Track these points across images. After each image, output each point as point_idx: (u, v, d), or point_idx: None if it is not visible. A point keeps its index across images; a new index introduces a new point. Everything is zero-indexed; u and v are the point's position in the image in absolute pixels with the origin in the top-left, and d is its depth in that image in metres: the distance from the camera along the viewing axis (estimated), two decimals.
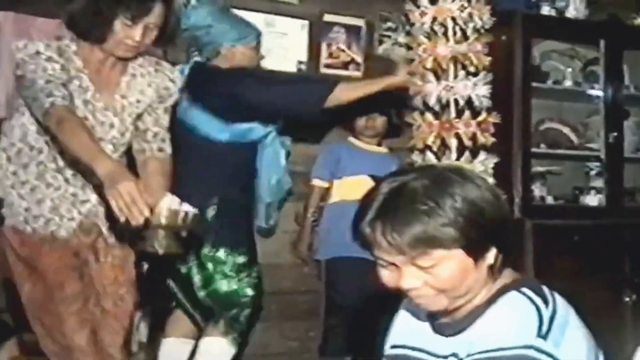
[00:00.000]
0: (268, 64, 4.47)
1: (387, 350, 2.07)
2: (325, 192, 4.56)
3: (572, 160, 5.39)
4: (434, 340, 1.95)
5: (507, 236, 1.88)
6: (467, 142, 4.28)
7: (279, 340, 4.76)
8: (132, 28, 3.12)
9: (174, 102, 3.42)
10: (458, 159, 4.29)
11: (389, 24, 5.02)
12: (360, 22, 4.91)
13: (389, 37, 5.01)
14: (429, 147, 4.30)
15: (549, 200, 5.19)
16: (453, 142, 4.29)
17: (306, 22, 4.73)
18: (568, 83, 5.30)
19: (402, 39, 4.97)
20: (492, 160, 4.33)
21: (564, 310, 1.85)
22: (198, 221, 3.04)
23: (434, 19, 4.32)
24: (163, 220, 2.91)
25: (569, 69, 5.34)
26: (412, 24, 4.42)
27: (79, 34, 3.16)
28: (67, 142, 2.91)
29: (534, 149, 5.03)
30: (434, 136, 4.29)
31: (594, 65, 5.35)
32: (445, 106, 4.31)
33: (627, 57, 5.35)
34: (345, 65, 4.83)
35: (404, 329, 2.06)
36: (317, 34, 4.78)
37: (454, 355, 1.87)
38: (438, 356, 1.92)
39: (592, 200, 5.23)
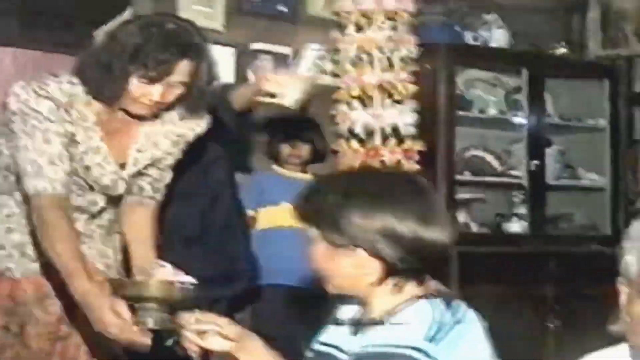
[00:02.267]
0: None
1: (312, 345, 2.14)
2: (253, 221, 4.53)
3: (495, 187, 5.45)
4: (347, 340, 2.02)
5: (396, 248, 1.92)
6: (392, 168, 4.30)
7: None
8: (150, 86, 2.66)
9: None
10: None
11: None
12: (287, 50, 4.91)
13: (317, 65, 5.02)
14: None
15: (474, 227, 5.24)
16: None
17: (232, 50, 4.72)
18: (492, 111, 5.37)
19: (328, 66, 4.99)
20: None
21: (469, 325, 1.88)
22: (193, 292, 2.74)
23: (361, 48, 4.35)
24: (157, 293, 2.62)
25: (493, 98, 5.42)
26: (338, 52, 4.44)
27: (88, 90, 2.71)
28: (44, 242, 2.62)
29: (458, 177, 5.09)
30: (359, 163, 4.30)
31: (517, 93, 5.44)
32: (370, 133, 4.34)
33: (549, 86, 5.44)
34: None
35: (330, 329, 2.14)
36: (244, 62, 4.77)
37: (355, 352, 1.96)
38: (345, 352, 2.00)
39: (516, 227, 5.29)
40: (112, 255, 3.00)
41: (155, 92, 2.65)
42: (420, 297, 1.95)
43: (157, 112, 2.77)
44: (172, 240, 3.32)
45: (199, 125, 2.93)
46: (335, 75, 4.63)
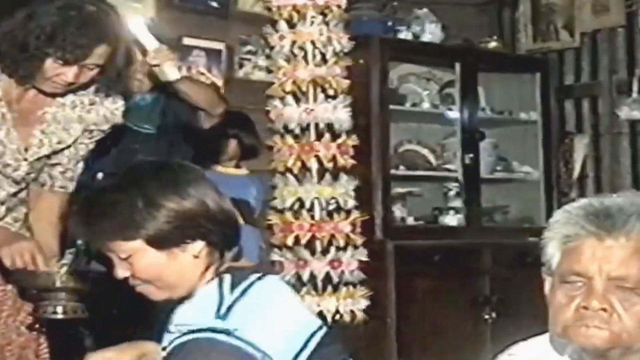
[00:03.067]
0: None
1: None
2: None
3: (430, 181, 5.49)
4: None
5: (213, 230, 1.94)
6: (328, 165, 4.31)
7: None
8: (65, 67, 2.65)
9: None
10: (319, 181, 4.31)
11: (249, 47, 5.01)
12: (220, 46, 4.88)
13: (249, 60, 5.00)
14: (289, 170, 4.31)
15: (410, 221, 5.26)
16: (313, 165, 4.32)
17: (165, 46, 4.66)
18: (425, 105, 5.40)
19: (262, 62, 4.97)
20: (353, 183, 4.37)
21: (258, 296, 1.89)
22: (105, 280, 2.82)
23: (293, 43, 4.34)
24: (70, 283, 2.65)
25: (426, 92, 5.45)
26: (271, 48, 4.43)
27: (2, 68, 2.70)
28: None
29: (393, 171, 5.10)
30: (294, 159, 4.30)
31: (450, 87, 5.47)
32: (305, 129, 4.33)
33: (482, 80, 5.49)
34: None
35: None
36: (177, 57, 4.72)
37: (163, 348, 1.94)
38: (163, 348, 1.96)
39: (451, 220, 5.32)
40: None
41: (69, 73, 2.65)
42: (216, 276, 1.96)
43: (69, 91, 2.77)
44: None
45: (113, 114, 2.91)
46: (269, 70, 4.61)
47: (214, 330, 1.81)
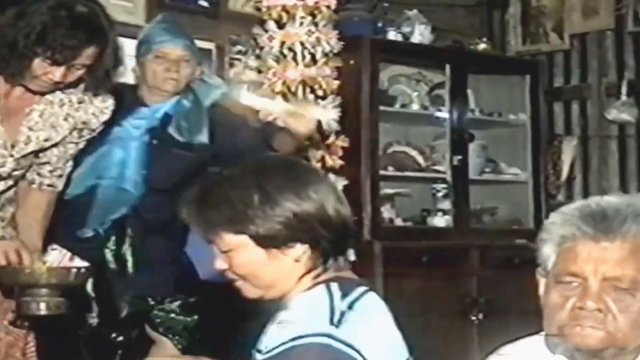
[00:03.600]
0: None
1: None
2: None
3: (419, 182, 5.48)
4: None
5: (325, 236, 1.88)
6: (316, 165, 4.29)
7: None
8: (53, 67, 2.67)
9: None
10: None
11: (239, 48, 5.00)
12: (210, 46, 4.88)
13: (240, 60, 4.99)
14: None
15: (398, 222, 5.26)
16: None
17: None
18: (415, 107, 5.39)
19: (252, 62, 4.96)
20: (341, 183, 4.37)
21: (365, 310, 1.85)
22: (88, 276, 2.80)
23: (283, 43, 4.34)
24: (53, 280, 2.66)
25: (416, 93, 5.45)
26: (261, 48, 4.43)
27: None
28: None
29: (382, 172, 5.09)
30: None
31: (440, 89, 5.47)
32: None
33: (471, 82, 5.49)
34: None
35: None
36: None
37: (259, 350, 1.89)
38: (258, 350, 1.91)
39: (440, 221, 5.32)
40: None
41: (57, 73, 2.67)
42: (320, 282, 1.90)
43: (56, 89, 2.79)
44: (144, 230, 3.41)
45: (102, 112, 2.95)
46: (259, 71, 4.61)
47: (329, 336, 1.77)
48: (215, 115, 3.57)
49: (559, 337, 1.72)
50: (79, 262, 2.78)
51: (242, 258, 1.89)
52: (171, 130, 3.51)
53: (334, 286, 1.86)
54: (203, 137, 3.51)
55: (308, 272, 1.90)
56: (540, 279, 1.79)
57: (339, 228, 1.90)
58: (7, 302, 2.90)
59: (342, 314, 1.79)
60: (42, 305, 2.67)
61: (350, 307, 1.82)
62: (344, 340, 1.76)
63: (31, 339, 2.96)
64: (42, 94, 2.82)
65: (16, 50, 2.63)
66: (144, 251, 3.45)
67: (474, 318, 5.14)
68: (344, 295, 1.83)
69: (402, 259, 4.97)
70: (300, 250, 1.88)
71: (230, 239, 1.89)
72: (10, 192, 2.98)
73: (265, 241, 1.86)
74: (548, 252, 1.74)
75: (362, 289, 1.89)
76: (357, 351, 1.76)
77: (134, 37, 4.48)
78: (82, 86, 2.86)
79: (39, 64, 2.66)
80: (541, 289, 1.78)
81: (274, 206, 1.85)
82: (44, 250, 2.95)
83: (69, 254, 2.80)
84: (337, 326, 1.78)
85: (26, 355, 2.97)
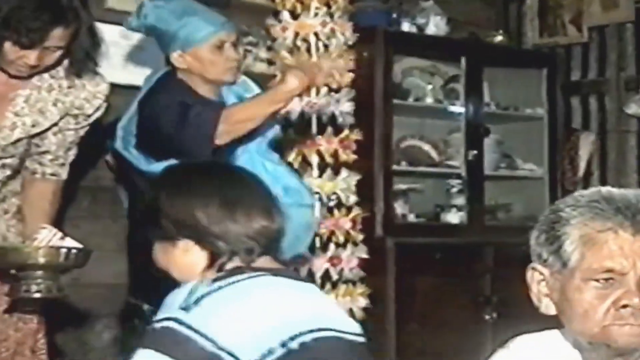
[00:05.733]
0: (124, 79, 4.28)
1: None
2: None
3: (433, 177, 5.40)
4: None
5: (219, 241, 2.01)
6: (329, 159, 4.23)
7: None
8: (25, 50, 2.67)
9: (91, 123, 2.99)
10: (320, 176, 4.24)
11: (250, 39, 4.90)
12: None
13: (250, 51, 4.90)
14: (290, 164, 4.21)
15: (411, 218, 5.17)
16: (314, 159, 4.24)
17: None
18: (429, 100, 5.31)
19: (263, 54, 4.87)
20: (354, 178, 4.30)
21: (236, 296, 1.90)
22: (84, 258, 2.69)
23: (297, 34, 4.25)
24: (41, 260, 2.58)
25: (430, 86, 5.36)
26: (273, 39, 4.34)
27: None
28: None
29: (395, 167, 5.00)
30: (295, 153, 4.22)
31: (455, 82, 5.38)
32: (307, 123, 4.24)
33: (487, 75, 5.39)
34: None
35: None
36: None
37: None
38: None
39: (454, 217, 5.24)
40: (14, 238, 2.95)
41: (31, 56, 2.67)
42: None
43: (38, 73, 2.77)
44: None
45: (96, 97, 2.90)
46: (271, 62, 4.52)
47: (175, 320, 1.85)
48: None
49: (600, 337, 1.64)
50: (70, 242, 2.68)
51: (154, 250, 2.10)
52: None
53: (211, 275, 1.97)
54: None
55: (209, 266, 2.01)
56: (543, 272, 1.72)
57: (255, 238, 2.03)
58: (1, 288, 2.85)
59: (199, 299, 1.87)
60: (33, 287, 2.60)
61: (216, 290, 1.90)
62: (189, 324, 1.84)
63: (42, 336, 2.92)
64: (26, 78, 2.79)
65: None
66: None
67: (487, 317, 5.07)
68: (217, 280, 1.93)
69: (414, 256, 4.89)
70: (189, 244, 2.03)
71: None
72: (15, 185, 2.94)
73: (155, 235, 2.07)
74: (570, 248, 1.66)
75: (253, 274, 1.96)
76: (204, 335, 1.82)
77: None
78: (60, 69, 2.83)
79: (10, 48, 2.65)
80: (543, 287, 1.72)
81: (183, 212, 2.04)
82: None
83: (60, 234, 2.69)
84: (187, 310, 1.86)
85: (36, 353, 2.92)
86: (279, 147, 3.50)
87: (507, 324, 4.90)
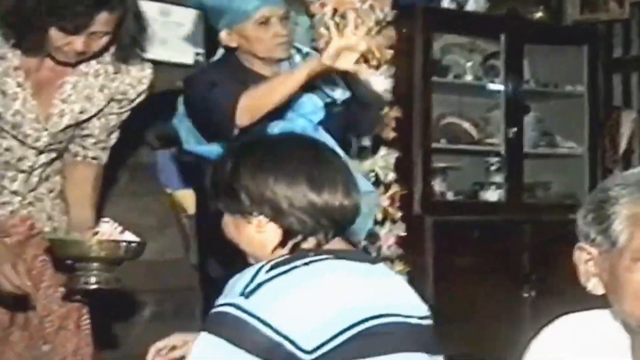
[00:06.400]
0: (164, 56, 4.29)
1: None
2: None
3: (472, 155, 5.37)
4: None
5: (297, 217, 1.96)
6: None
7: None
8: (72, 37, 2.65)
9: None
10: (359, 154, 4.22)
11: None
12: None
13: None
14: None
15: (449, 196, 5.15)
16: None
17: (203, 12, 4.56)
18: (468, 77, 5.28)
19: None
20: (393, 155, 4.29)
21: (299, 281, 1.87)
22: (140, 250, 2.74)
23: (335, 11, 4.22)
24: (102, 253, 2.64)
25: (469, 63, 5.32)
26: (312, 16, 4.32)
27: (9, 40, 2.71)
28: None
29: (434, 144, 4.99)
30: None
31: (495, 59, 5.33)
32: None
33: (527, 52, 5.35)
34: None
35: None
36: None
37: None
38: None
39: (492, 195, 5.21)
40: (58, 217, 2.96)
41: (78, 42, 2.65)
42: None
43: (86, 59, 2.77)
44: None
45: (140, 82, 2.90)
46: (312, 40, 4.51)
47: (235, 306, 1.83)
48: None
49: None
50: (129, 236, 2.73)
51: (223, 221, 2.06)
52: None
53: (278, 258, 1.93)
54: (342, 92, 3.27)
55: (282, 244, 1.97)
56: (589, 255, 1.69)
57: (334, 216, 1.97)
58: (60, 275, 2.88)
59: (259, 285, 1.84)
60: (92, 279, 2.66)
61: (278, 275, 1.86)
62: (249, 310, 1.81)
63: (86, 311, 2.94)
64: (73, 65, 2.78)
65: (30, 23, 2.62)
66: None
67: (526, 295, 5.05)
68: (279, 264, 1.88)
69: (453, 234, 4.89)
70: (263, 221, 1.98)
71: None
72: (57, 164, 2.95)
73: (229, 209, 2.02)
74: (619, 228, 1.63)
75: (317, 257, 1.92)
76: (263, 322, 1.80)
77: (183, 5, 4.43)
78: (107, 55, 2.82)
79: (56, 35, 2.64)
80: (591, 267, 1.70)
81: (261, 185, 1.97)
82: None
83: (120, 228, 2.74)
84: (247, 297, 1.83)
85: (80, 327, 2.95)
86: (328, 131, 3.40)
87: (545, 302, 4.90)
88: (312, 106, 3.21)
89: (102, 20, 2.65)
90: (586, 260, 1.70)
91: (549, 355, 1.79)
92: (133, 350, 4.02)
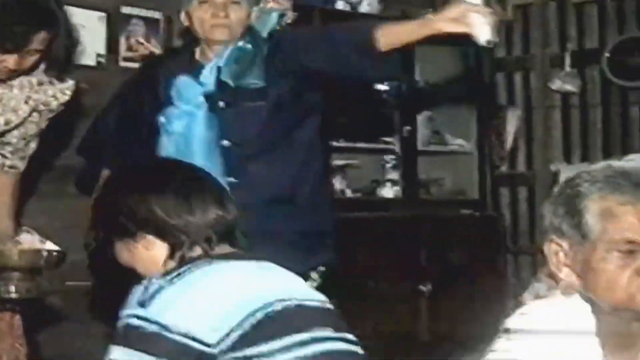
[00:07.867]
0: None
1: None
2: None
3: (369, 153, 5.47)
4: None
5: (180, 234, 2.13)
6: None
7: None
8: (5, 55, 2.69)
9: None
10: None
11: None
12: (158, 15, 4.77)
13: None
14: None
15: (349, 193, 5.25)
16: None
17: (104, 14, 4.54)
18: None
19: None
20: None
21: (192, 283, 2.00)
22: (61, 259, 2.73)
23: None
24: (23, 262, 2.63)
25: None
26: None
27: None
28: None
29: (333, 143, 5.06)
30: None
31: None
32: None
33: (418, 53, 5.47)
34: (144, 59, 4.68)
35: None
36: (115, 26, 4.61)
37: None
38: None
39: (389, 192, 5.33)
40: None
41: (11, 60, 2.67)
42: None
43: (14, 76, 2.77)
44: (256, 201, 3.00)
45: (63, 93, 2.91)
46: None
47: (135, 316, 1.96)
48: (283, 41, 3.18)
49: (627, 303, 1.74)
50: (50, 245, 2.73)
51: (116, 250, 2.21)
52: (224, 78, 3.09)
53: (172, 266, 2.08)
54: (253, 79, 3.09)
55: (171, 257, 2.12)
56: (559, 247, 1.80)
57: (214, 228, 2.13)
58: None
59: (153, 294, 1.97)
60: (12, 288, 2.64)
61: (172, 280, 1.99)
62: (148, 317, 1.94)
63: (17, 318, 2.89)
64: (2, 80, 2.79)
65: None
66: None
67: (423, 288, 5.16)
68: (164, 276, 2.02)
69: (352, 231, 4.95)
70: (150, 239, 2.14)
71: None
72: None
73: (117, 236, 2.17)
74: (592, 221, 1.75)
75: (208, 260, 2.06)
76: (164, 326, 1.92)
77: (82, 7, 4.39)
78: (40, 68, 2.83)
79: None
80: (564, 258, 1.80)
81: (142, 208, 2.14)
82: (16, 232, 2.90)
83: (39, 237, 2.75)
84: (144, 306, 1.96)
85: (13, 331, 2.91)
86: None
87: (441, 295, 5.04)
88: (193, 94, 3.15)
89: (39, 39, 2.68)
90: (557, 252, 1.82)
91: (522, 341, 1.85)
92: None
